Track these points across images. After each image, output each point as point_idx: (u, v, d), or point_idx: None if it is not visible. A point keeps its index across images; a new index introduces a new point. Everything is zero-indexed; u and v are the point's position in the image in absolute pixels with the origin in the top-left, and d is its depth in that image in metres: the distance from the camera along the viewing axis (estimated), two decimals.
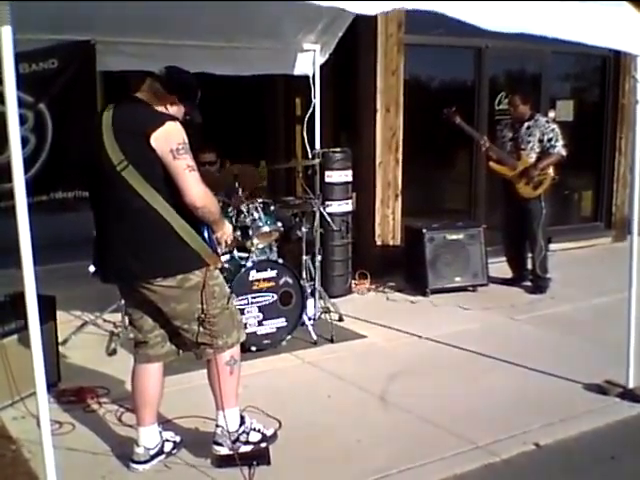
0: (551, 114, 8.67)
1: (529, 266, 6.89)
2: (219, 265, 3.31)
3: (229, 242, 3.49)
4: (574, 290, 6.75)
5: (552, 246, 7.52)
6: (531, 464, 3.57)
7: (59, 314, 4.58)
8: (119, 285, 3.46)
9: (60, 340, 4.68)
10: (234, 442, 3.41)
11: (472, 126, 6.81)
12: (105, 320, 5.58)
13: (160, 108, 3.20)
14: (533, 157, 6.50)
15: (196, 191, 3.05)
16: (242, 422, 3.48)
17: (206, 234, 3.20)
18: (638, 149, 4.26)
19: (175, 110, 3.25)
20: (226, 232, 3.38)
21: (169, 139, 3.01)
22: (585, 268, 7.76)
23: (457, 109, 6.41)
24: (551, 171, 6.53)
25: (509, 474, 3.48)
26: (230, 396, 3.40)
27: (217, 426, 3.43)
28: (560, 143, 6.47)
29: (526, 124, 6.54)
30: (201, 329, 3.26)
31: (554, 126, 6.56)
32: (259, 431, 3.53)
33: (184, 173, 3.03)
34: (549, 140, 6.45)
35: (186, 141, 3.07)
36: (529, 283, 6.85)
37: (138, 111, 3.15)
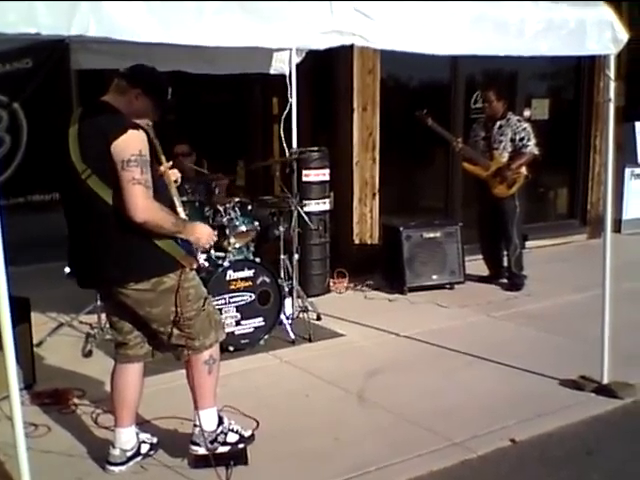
0: (527, 113, 8.73)
1: (505, 264, 6.94)
2: (195, 266, 3.29)
3: (211, 243, 3.45)
4: (550, 287, 6.81)
5: (528, 243, 7.58)
6: (507, 460, 3.60)
7: (34, 316, 4.56)
8: (95, 289, 3.44)
9: (35, 342, 4.64)
10: (212, 442, 3.39)
11: (446, 126, 6.81)
12: (81, 322, 5.53)
13: (125, 105, 3.14)
14: (506, 156, 6.52)
15: (136, 205, 2.95)
16: (220, 422, 3.47)
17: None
18: (611, 147, 4.31)
19: (141, 105, 3.18)
20: (200, 237, 3.27)
21: (125, 149, 2.95)
22: (561, 265, 7.83)
23: (429, 111, 6.40)
24: (524, 170, 6.57)
25: (485, 470, 3.51)
26: (208, 396, 3.39)
27: (195, 426, 3.42)
28: (532, 142, 6.50)
29: (498, 123, 6.56)
30: (177, 331, 3.24)
31: (526, 125, 6.59)
32: (237, 432, 3.52)
33: (127, 186, 2.95)
34: (521, 139, 6.48)
35: (143, 153, 2.99)
36: (505, 280, 6.89)
37: (102, 118, 3.07)
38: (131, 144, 2.97)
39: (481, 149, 6.65)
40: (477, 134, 6.76)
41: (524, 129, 6.51)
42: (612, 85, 4.20)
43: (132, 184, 2.95)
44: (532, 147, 6.50)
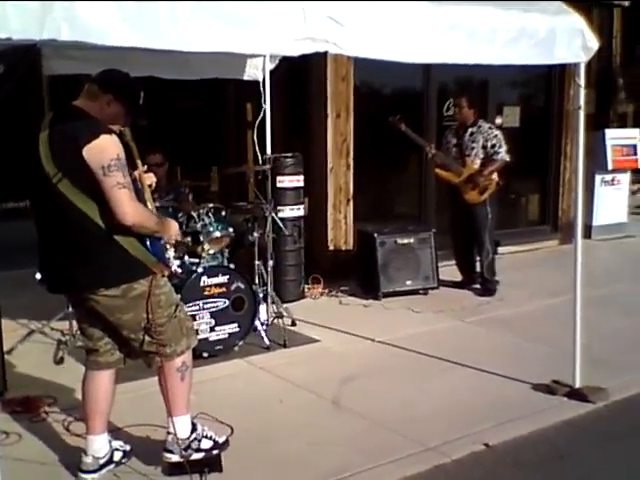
0: (498, 120, 8.82)
1: (478, 269, 6.99)
2: (166, 273, 3.28)
3: (178, 239, 3.44)
4: (523, 292, 6.87)
5: (500, 249, 7.64)
6: (481, 464, 3.62)
7: (5, 322, 4.50)
8: (65, 295, 3.40)
9: (6, 349, 4.58)
10: (185, 449, 3.37)
11: (419, 133, 6.86)
12: (52, 328, 5.47)
13: (96, 110, 3.11)
14: (477, 163, 6.59)
15: (125, 209, 2.97)
16: (194, 429, 3.44)
17: (148, 242, 3.14)
18: (581, 154, 4.36)
19: (113, 111, 3.16)
20: (172, 234, 3.34)
21: (102, 154, 2.94)
22: (533, 271, 7.90)
23: (402, 117, 6.45)
24: (495, 176, 6.63)
25: (460, 474, 3.53)
26: (181, 403, 3.37)
27: (168, 433, 3.39)
28: (503, 149, 6.57)
29: (469, 130, 6.63)
30: (147, 338, 3.22)
31: (497, 132, 6.65)
32: (211, 438, 3.50)
33: (112, 190, 2.95)
34: (492, 146, 6.54)
35: (121, 156, 3.00)
36: (478, 286, 6.94)
37: (73, 122, 3.05)
38: (108, 149, 2.96)
39: (453, 155, 6.70)
40: (449, 140, 6.82)
41: (495, 136, 6.58)
42: (582, 93, 4.25)
43: (117, 189, 2.95)
44: (503, 154, 6.57)
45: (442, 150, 6.77)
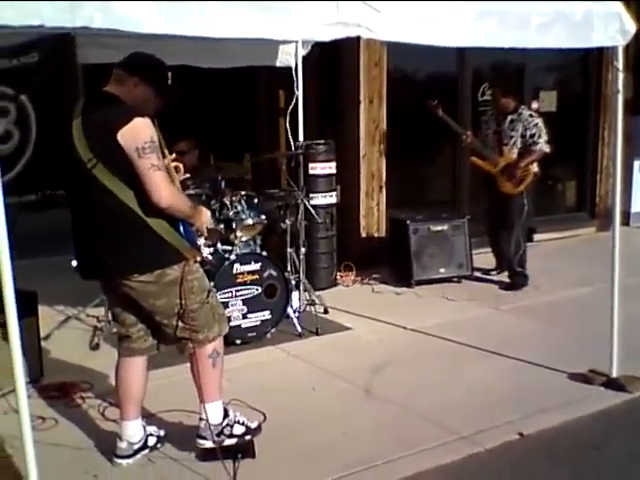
0: (534, 105, 8.68)
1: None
2: (199, 258, 3.29)
3: (209, 227, 3.45)
4: (558, 280, 6.77)
5: (536, 236, 7.54)
6: (515, 454, 3.59)
7: (42, 309, 4.57)
8: (99, 281, 3.43)
9: (43, 335, 4.66)
10: (218, 435, 3.39)
11: (454, 118, 6.73)
12: (88, 315, 5.54)
13: (125, 94, 3.12)
14: (515, 153, 6.37)
15: (161, 192, 2.99)
16: (226, 415, 3.46)
17: (182, 228, 3.16)
18: (620, 139, 4.28)
19: (142, 93, 3.16)
20: (204, 221, 3.33)
21: (135, 137, 2.95)
22: (569, 258, 7.79)
23: (439, 102, 6.34)
24: (534, 167, 6.41)
25: (493, 464, 3.50)
26: (213, 389, 3.39)
27: (201, 420, 3.41)
28: (543, 139, 6.32)
29: (509, 117, 6.40)
30: (181, 324, 3.23)
31: (537, 121, 6.37)
32: (243, 424, 3.52)
33: (148, 173, 2.96)
34: (532, 136, 6.30)
35: (154, 139, 3.01)
36: (508, 280, 6.69)
37: (106, 106, 3.07)
38: (141, 131, 2.97)
39: (490, 143, 6.54)
40: (489, 127, 6.60)
41: (535, 125, 6.33)
42: (620, 77, 4.16)
43: (153, 170, 2.97)
44: (542, 144, 6.32)
45: (480, 136, 6.59)
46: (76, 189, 3.16)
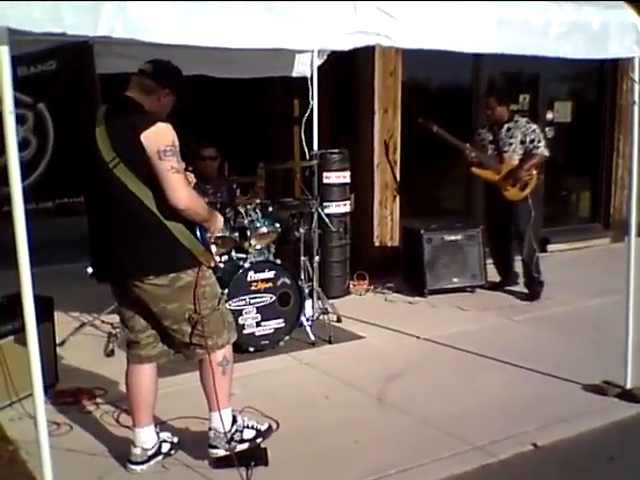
0: (549, 115, 8.68)
1: (517, 269, 6.78)
2: (212, 264, 3.31)
3: (219, 234, 3.47)
4: (572, 291, 6.74)
5: (550, 247, 7.49)
6: (529, 465, 3.57)
7: (58, 315, 4.60)
8: (112, 284, 3.45)
9: (58, 341, 4.69)
10: (229, 442, 3.40)
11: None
12: (103, 321, 5.57)
13: (151, 104, 3.20)
14: (516, 159, 6.38)
15: (179, 194, 3.05)
16: (234, 421, 3.47)
17: (198, 232, 3.19)
18: (636, 150, 4.27)
19: (167, 102, 3.27)
20: (218, 227, 3.39)
21: (158, 140, 3.02)
22: (583, 269, 7.75)
23: (431, 117, 6.27)
24: (535, 172, 6.43)
25: (506, 475, 3.49)
26: (223, 397, 3.39)
27: (210, 429, 3.43)
28: (542, 143, 6.38)
29: (506, 126, 6.42)
30: (191, 329, 3.26)
31: (535, 126, 6.45)
32: (252, 427, 3.53)
33: (168, 175, 3.02)
34: (532, 141, 6.34)
35: (176, 144, 3.07)
36: (525, 290, 6.67)
37: (130, 110, 3.15)
38: (164, 135, 3.05)
39: (489, 153, 6.52)
40: (483, 138, 6.58)
41: (534, 131, 6.38)
42: (637, 88, 4.16)
43: (172, 173, 3.03)
44: (542, 149, 6.38)
45: (476, 147, 6.54)
46: (97, 190, 3.20)
